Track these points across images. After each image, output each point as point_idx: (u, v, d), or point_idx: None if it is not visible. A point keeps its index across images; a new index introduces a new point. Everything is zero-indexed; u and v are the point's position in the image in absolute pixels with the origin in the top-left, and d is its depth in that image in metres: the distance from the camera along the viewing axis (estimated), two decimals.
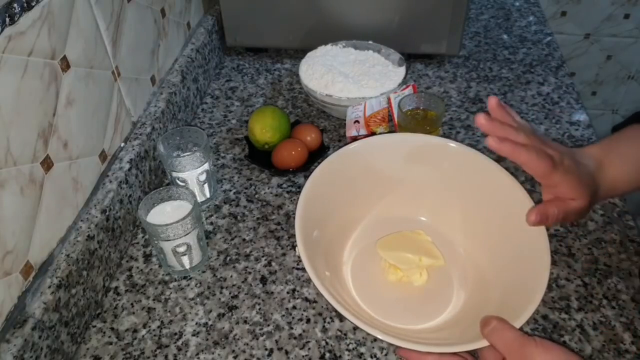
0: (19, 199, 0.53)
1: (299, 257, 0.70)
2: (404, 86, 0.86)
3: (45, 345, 0.54)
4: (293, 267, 0.69)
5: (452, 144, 0.66)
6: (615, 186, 0.57)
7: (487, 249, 0.64)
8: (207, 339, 0.61)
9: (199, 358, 0.60)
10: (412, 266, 0.63)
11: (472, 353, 0.54)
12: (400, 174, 0.69)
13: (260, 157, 0.84)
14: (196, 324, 0.63)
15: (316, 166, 0.64)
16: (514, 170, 0.81)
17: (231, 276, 0.68)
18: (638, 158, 0.57)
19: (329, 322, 0.63)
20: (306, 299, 0.65)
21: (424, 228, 0.68)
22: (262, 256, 0.71)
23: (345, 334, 0.61)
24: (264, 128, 0.82)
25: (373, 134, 0.82)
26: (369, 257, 0.66)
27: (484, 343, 0.49)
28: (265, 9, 1.01)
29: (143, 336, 0.62)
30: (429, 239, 0.66)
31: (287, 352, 0.60)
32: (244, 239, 0.73)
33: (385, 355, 0.59)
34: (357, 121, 0.83)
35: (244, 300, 0.65)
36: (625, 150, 0.58)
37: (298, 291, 0.66)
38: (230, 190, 0.81)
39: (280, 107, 0.95)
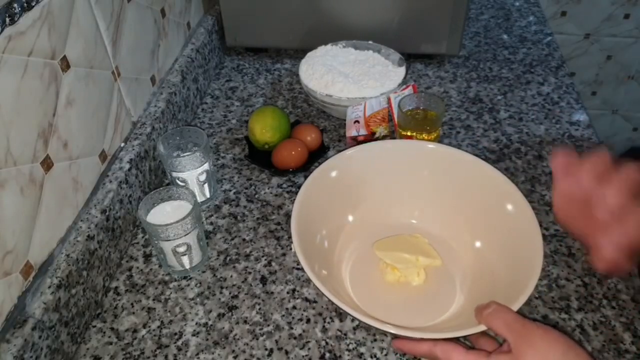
0: (19, 199, 0.53)
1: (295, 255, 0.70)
2: (404, 86, 0.86)
3: (45, 345, 0.54)
4: (293, 267, 0.69)
5: (430, 145, 0.70)
6: None
7: (480, 239, 0.66)
8: (207, 339, 0.61)
9: (199, 358, 0.60)
10: (409, 266, 0.63)
11: (468, 341, 0.54)
12: (393, 177, 0.70)
13: (260, 157, 0.84)
14: (196, 324, 0.63)
15: (316, 167, 0.64)
16: (513, 171, 0.82)
17: (231, 276, 0.68)
18: None
19: (329, 322, 0.63)
20: (306, 299, 0.65)
21: (416, 230, 0.69)
22: (262, 256, 0.71)
23: (345, 334, 0.61)
24: (264, 128, 0.82)
25: (373, 134, 0.82)
26: (366, 261, 0.67)
27: (479, 328, 0.49)
28: (265, 9, 1.01)
29: (143, 336, 0.62)
30: (426, 241, 0.66)
31: (287, 352, 0.60)
32: (244, 239, 0.73)
33: (385, 355, 0.59)
34: (357, 121, 0.83)
35: (244, 300, 0.65)
36: None
37: (298, 291, 0.66)
38: (230, 190, 0.81)
39: (280, 107, 0.95)
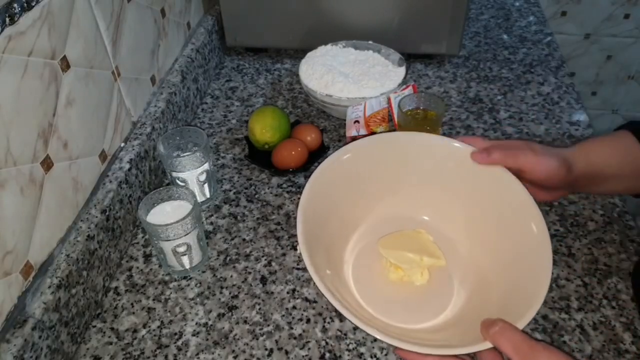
0: (19, 199, 0.53)
1: (299, 256, 0.70)
2: (404, 86, 0.86)
3: (45, 345, 0.54)
4: (293, 267, 0.69)
5: (457, 143, 0.65)
6: (597, 168, 0.60)
7: (488, 249, 0.64)
8: (207, 339, 0.61)
9: (199, 358, 0.60)
10: (413, 265, 0.63)
11: (471, 355, 0.54)
12: (403, 173, 0.68)
13: (260, 157, 0.84)
14: (196, 324, 0.63)
15: (317, 166, 0.64)
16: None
17: (231, 276, 0.68)
18: (620, 148, 0.61)
19: (329, 322, 0.63)
20: (306, 299, 0.65)
21: (426, 227, 0.68)
22: (262, 256, 0.71)
23: (345, 334, 0.61)
24: (264, 128, 0.82)
25: (373, 134, 0.82)
26: (371, 256, 0.66)
27: (486, 345, 0.49)
28: (265, 9, 1.01)
29: (143, 336, 0.62)
30: (431, 238, 0.66)
31: (287, 352, 0.60)
32: (244, 239, 0.73)
33: (385, 355, 0.59)
34: (357, 121, 0.83)
35: (244, 300, 0.65)
36: (607, 140, 0.62)
37: (298, 291, 0.66)
38: (230, 190, 0.81)
39: (280, 107, 0.95)
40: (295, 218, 0.59)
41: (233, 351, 0.60)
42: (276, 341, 0.61)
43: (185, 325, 0.63)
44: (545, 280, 0.53)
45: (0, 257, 0.51)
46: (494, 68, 1.05)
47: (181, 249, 0.65)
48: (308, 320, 0.63)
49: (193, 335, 0.62)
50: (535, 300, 0.51)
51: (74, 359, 0.60)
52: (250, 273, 0.69)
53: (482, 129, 0.90)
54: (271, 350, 0.60)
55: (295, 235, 0.69)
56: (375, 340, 0.61)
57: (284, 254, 0.71)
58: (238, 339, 0.61)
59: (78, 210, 0.65)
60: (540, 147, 0.60)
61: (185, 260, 0.67)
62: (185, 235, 0.64)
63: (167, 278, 0.68)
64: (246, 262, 0.70)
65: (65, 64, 0.60)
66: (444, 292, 0.63)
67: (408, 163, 0.68)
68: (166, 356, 0.60)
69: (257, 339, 0.61)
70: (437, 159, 0.67)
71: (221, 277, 0.68)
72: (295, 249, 0.71)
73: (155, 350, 0.60)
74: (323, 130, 0.90)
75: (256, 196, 0.79)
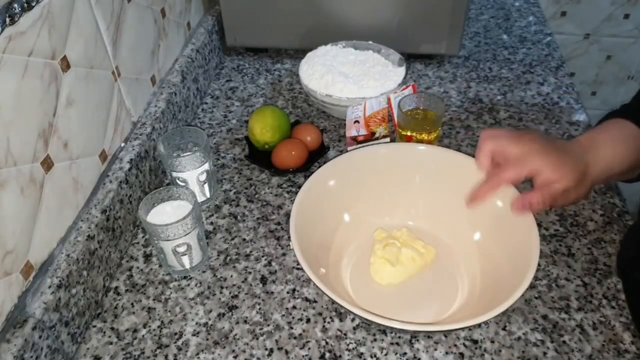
0: (19, 199, 0.53)
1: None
2: (404, 86, 0.86)
3: (46, 345, 0.54)
4: (293, 267, 0.69)
5: (421, 147, 0.71)
6: (612, 164, 0.60)
7: (479, 235, 0.67)
8: (207, 339, 0.61)
9: (199, 358, 0.60)
10: (401, 242, 0.66)
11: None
12: (388, 180, 0.71)
13: (260, 157, 0.84)
14: (196, 323, 0.63)
15: (316, 167, 0.65)
16: None
17: (231, 276, 0.68)
18: (626, 137, 0.60)
19: (329, 322, 0.63)
20: (306, 299, 0.65)
21: (416, 231, 0.70)
22: (262, 256, 0.71)
23: (345, 334, 0.61)
24: (264, 128, 0.82)
25: (373, 134, 0.82)
26: (365, 261, 0.67)
27: (485, 317, 0.51)
28: (265, 9, 1.01)
29: (143, 336, 0.62)
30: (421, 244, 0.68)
31: (287, 352, 0.60)
32: (244, 239, 0.73)
33: (385, 355, 0.59)
34: (357, 121, 0.83)
35: (244, 300, 0.65)
36: (614, 132, 0.61)
37: (298, 291, 0.66)
38: (230, 190, 0.81)
39: (280, 107, 0.95)
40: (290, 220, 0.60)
41: (233, 351, 0.60)
42: (276, 341, 0.61)
43: (185, 325, 0.63)
44: (534, 241, 0.57)
45: (1, 257, 0.51)
46: (494, 68, 1.05)
47: (181, 249, 0.65)
48: (308, 320, 0.63)
49: (193, 335, 0.62)
50: (531, 261, 0.55)
51: (74, 359, 0.60)
52: (250, 273, 0.69)
53: (482, 129, 0.90)
54: (271, 350, 0.60)
55: None
56: (375, 340, 0.61)
57: (284, 254, 0.71)
58: (238, 339, 0.61)
59: (78, 210, 0.65)
60: (556, 156, 0.57)
61: (186, 260, 0.67)
62: (185, 235, 0.64)
63: (167, 278, 0.68)
64: (246, 262, 0.70)
65: (66, 64, 0.60)
66: (443, 291, 0.64)
67: (386, 172, 0.71)
68: (166, 356, 0.60)
69: (257, 339, 0.61)
70: (414, 165, 0.71)
71: (221, 277, 0.68)
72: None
73: (156, 350, 0.60)
74: (323, 130, 0.90)
75: (256, 196, 0.79)
